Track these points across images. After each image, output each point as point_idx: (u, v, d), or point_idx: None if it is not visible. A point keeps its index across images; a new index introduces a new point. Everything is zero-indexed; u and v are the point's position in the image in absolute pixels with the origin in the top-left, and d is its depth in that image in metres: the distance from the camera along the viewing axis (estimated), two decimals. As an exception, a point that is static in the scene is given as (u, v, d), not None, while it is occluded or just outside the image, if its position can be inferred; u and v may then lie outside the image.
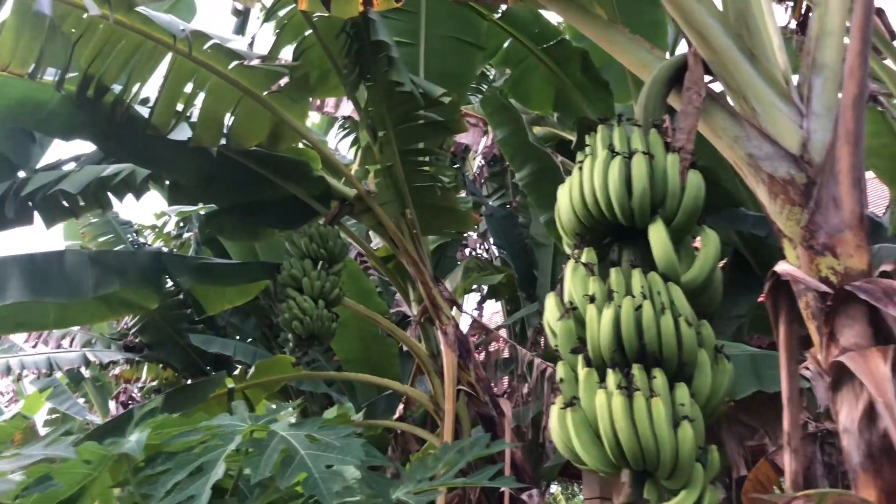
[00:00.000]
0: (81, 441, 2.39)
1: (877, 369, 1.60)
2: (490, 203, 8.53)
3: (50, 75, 3.75)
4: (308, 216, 4.64)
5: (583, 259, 1.92)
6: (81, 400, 12.04)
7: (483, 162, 8.72)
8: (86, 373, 11.67)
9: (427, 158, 4.50)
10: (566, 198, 1.98)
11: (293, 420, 2.20)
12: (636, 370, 1.75)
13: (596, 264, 1.91)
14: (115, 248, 7.27)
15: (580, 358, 1.85)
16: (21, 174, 5.53)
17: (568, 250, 2.02)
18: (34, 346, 9.07)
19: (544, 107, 5.63)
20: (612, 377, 1.74)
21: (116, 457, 2.22)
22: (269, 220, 4.66)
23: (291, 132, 4.20)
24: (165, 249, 8.70)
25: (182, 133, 4.03)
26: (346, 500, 1.87)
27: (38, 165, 5.73)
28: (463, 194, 7.56)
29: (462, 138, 6.16)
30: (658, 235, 1.84)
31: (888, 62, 4.46)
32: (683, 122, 1.94)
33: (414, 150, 4.44)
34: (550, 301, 1.98)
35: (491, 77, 7.47)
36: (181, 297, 8.64)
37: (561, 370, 1.90)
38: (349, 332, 6.22)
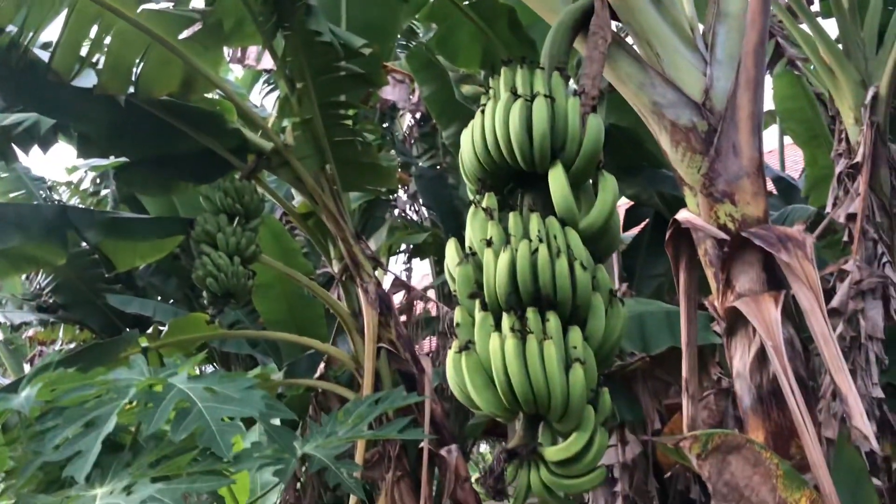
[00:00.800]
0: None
1: (768, 313, 1.63)
2: (420, 164, 8.47)
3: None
4: (224, 170, 4.50)
5: (483, 204, 1.90)
6: (-6, 364, 11.63)
7: (413, 122, 8.64)
8: (-2, 335, 11.26)
9: (348, 112, 4.41)
10: (468, 142, 1.95)
11: (194, 373, 2.13)
12: (530, 313, 1.74)
13: (496, 209, 1.89)
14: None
15: (477, 302, 1.84)
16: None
17: (471, 195, 1.99)
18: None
19: (471, 64, 5.57)
20: (506, 320, 1.73)
21: (7, 414, 2.13)
22: (183, 174, 4.51)
23: (204, 81, 4.05)
24: (81, 206, 8.38)
25: (87, 80, 3.84)
26: (243, 451, 1.82)
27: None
28: (392, 154, 7.49)
29: (388, 94, 6.07)
30: (557, 180, 1.83)
31: (804, 27, 4.56)
32: (588, 68, 1.92)
33: (334, 102, 4.33)
34: (450, 246, 1.96)
35: (419, 34, 7.36)
36: (97, 255, 8.38)
37: (458, 315, 1.89)
38: (273, 293, 6.13)
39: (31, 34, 3.59)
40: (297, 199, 5.41)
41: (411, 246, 7.77)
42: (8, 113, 4.57)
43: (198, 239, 4.24)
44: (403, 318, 5.14)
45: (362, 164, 4.49)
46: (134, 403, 2.09)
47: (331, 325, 7.00)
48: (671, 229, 1.86)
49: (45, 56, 3.77)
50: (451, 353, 1.83)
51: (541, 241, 1.77)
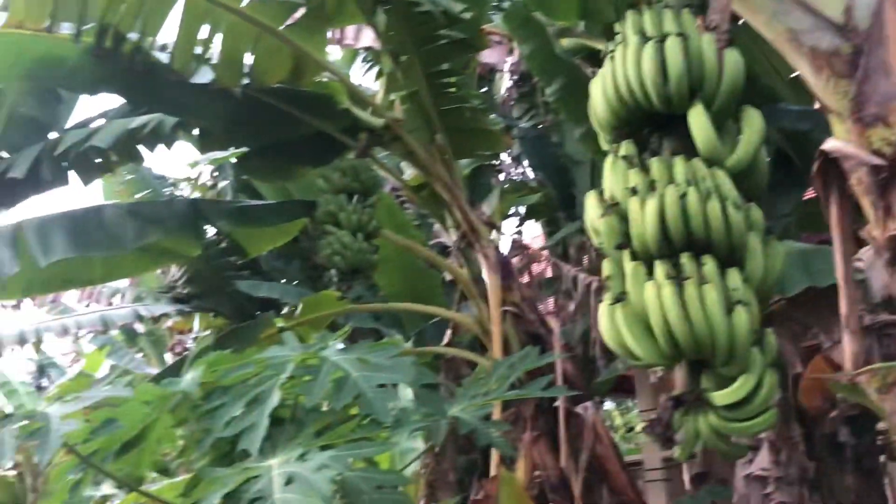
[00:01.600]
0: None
1: (938, 236, 1.53)
2: (521, 125, 8.39)
3: (67, 29, 3.72)
4: (338, 151, 4.60)
5: (621, 152, 1.87)
6: (139, 355, 12.43)
7: (511, 83, 8.54)
8: (140, 328, 12.00)
9: (453, 80, 4.41)
10: (599, 91, 1.91)
11: (342, 346, 2.20)
12: (685, 259, 1.70)
13: (636, 156, 1.85)
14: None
15: (625, 253, 1.81)
16: (51, 135, 5.57)
17: (605, 146, 1.96)
18: (87, 306, 9.32)
19: (570, 17, 5.41)
20: (660, 268, 1.70)
21: (175, 396, 2.26)
22: (300, 159, 4.64)
23: (313, 65, 4.13)
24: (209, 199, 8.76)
25: (204, 77, 4.00)
26: (401, 416, 1.88)
27: (67, 125, 5.78)
28: (493, 117, 7.44)
29: (487, 57, 6.01)
30: (698, 120, 1.77)
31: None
32: (717, 1, 1.84)
33: (438, 72, 4.34)
34: (591, 199, 1.93)
35: (513, -6, 7.24)
36: (224, 245, 8.76)
37: (607, 267, 1.87)
38: (392, 266, 6.24)
39: (149, 38, 3.76)
40: (408, 173, 5.48)
41: (522, 209, 7.73)
42: (133, 116, 4.82)
43: (321, 219, 4.36)
44: (525, 280, 5.14)
45: (471, 131, 4.49)
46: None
47: (448, 293, 7.10)
48: (819, 161, 1.77)
49: (164, 58, 3.94)
50: (604, 306, 1.82)
51: (688, 184, 1.72)
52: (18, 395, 14.49)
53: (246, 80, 4.07)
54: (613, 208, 1.85)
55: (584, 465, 4.08)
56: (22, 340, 8.17)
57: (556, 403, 4.16)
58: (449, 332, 4.99)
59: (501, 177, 8.23)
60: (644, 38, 1.84)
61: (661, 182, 1.75)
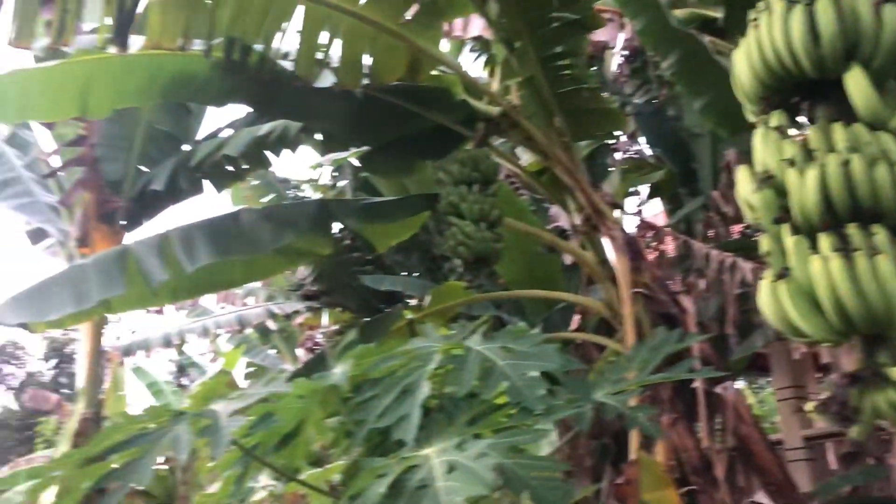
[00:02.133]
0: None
1: None
2: (635, 101, 8.19)
3: (197, 46, 3.91)
4: (456, 143, 4.63)
5: (773, 123, 1.78)
6: (273, 351, 12.98)
7: (622, 60, 8.35)
8: (272, 326, 12.53)
9: (568, 62, 4.35)
10: (744, 60, 1.83)
11: (483, 336, 2.22)
12: (852, 230, 1.62)
13: (788, 127, 1.77)
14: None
15: (785, 227, 1.73)
16: (184, 147, 5.89)
17: (752, 118, 1.88)
18: (223, 308, 9.80)
19: (683, -15, 5.27)
20: (825, 241, 1.62)
21: (325, 389, 2.34)
22: (419, 153, 4.71)
23: (429, 60, 4.18)
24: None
25: (326, 81, 4.11)
26: (550, 403, 1.88)
27: (198, 137, 6.09)
28: (606, 96, 7.29)
29: (598, 35, 5.89)
30: (857, 82, 1.67)
31: None
32: (868, -46, 1.73)
33: (553, 55, 4.29)
34: (743, 174, 1.86)
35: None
36: (348, 242, 9.02)
37: (765, 243, 1.79)
38: (511, 254, 6.23)
39: (273, 48, 3.91)
40: (523, 159, 5.46)
41: (641, 187, 7.56)
42: (259, 124, 5.03)
43: (443, 211, 4.41)
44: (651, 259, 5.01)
45: (590, 112, 4.42)
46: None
47: (568, 278, 7.04)
48: None
49: (288, 66, 4.09)
50: (765, 283, 1.75)
51: (851, 150, 1.63)
52: (164, 394, 15.44)
53: (366, 81, 4.15)
54: (768, 181, 1.77)
55: (727, 446, 3.96)
56: (167, 343, 8.71)
57: (694, 384, 4.05)
58: (577, 317, 4.93)
59: (618, 156, 8.08)
60: (790, 2, 1.75)
61: (820, 151, 1.66)
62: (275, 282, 10.25)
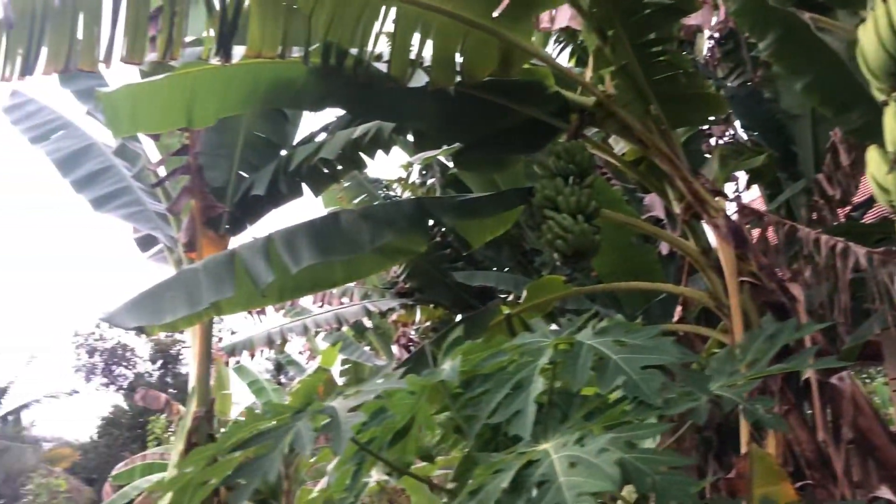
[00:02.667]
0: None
1: None
2: (728, 85, 7.95)
3: (296, 53, 4.01)
4: (550, 136, 4.60)
5: (905, 99, 1.70)
6: (367, 348, 13.22)
7: (713, 43, 8.12)
8: (367, 323, 12.77)
9: (662, 48, 4.25)
10: (871, 36, 1.75)
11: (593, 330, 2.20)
12: None
13: (922, 103, 1.68)
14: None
15: (925, 209, 1.65)
16: (283, 153, 6.06)
17: (880, 95, 1.79)
18: (321, 307, 10.03)
19: (781, -38, 5.06)
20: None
21: (434, 385, 2.36)
22: (513, 147, 4.70)
23: (520, 53, 4.16)
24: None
25: (420, 81, 4.15)
26: (667, 396, 1.84)
27: (295, 142, 6.25)
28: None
29: (691, 19, 5.74)
30: None
31: None
32: None
33: (647, 41, 4.21)
34: (873, 154, 1.78)
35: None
36: (440, 239, 9.11)
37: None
38: (605, 245, 6.17)
39: (368, 50, 3.97)
40: (617, 148, 5.36)
41: (738, 175, 7.31)
42: (354, 127, 5.12)
43: (539, 205, 4.38)
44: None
45: (687, 97, 4.31)
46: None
47: (665, 268, 6.89)
48: None
49: (381, 67, 4.14)
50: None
51: None
52: (266, 391, 15.93)
53: (458, 79, 4.16)
54: (900, 162, 1.69)
55: (845, 439, 3.79)
56: (270, 342, 8.99)
57: (806, 375, 3.90)
58: (679, 308, 4.82)
59: (713, 141, 7.84)
60: (922, -29, 1.66)
61: (960, 127, 1.57)
62: (369, 281, 10.44)
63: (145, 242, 6.37)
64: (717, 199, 4.30)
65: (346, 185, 9.86)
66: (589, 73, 4.47)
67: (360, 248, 4.24)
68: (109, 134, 6.43)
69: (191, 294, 4.09)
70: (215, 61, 3.69)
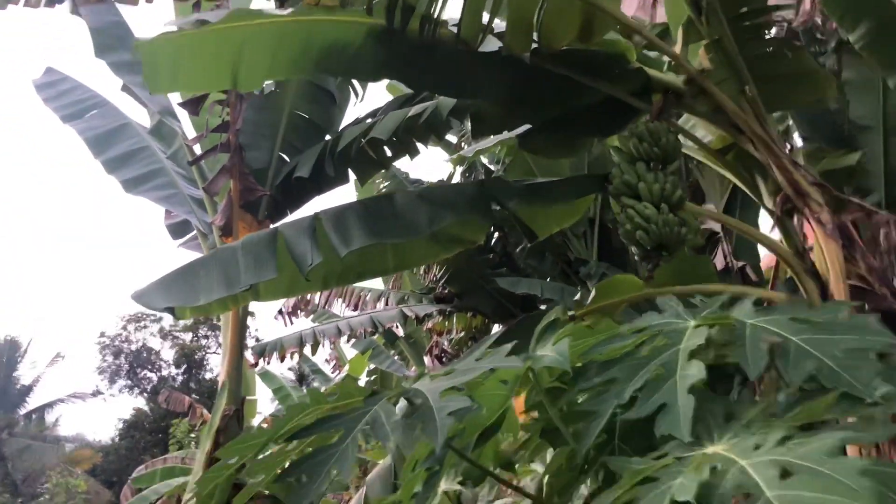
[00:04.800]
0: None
1: None
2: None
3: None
4: (627, 118, 4.12)
5: None
6: (397, 357, 12.74)
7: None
8: (399, 331, 12.32)
9: (760, 20, 3.77)
10: None
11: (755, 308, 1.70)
12: None
13: None
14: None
15: None
16: (327, 137, 5.62)
17: None
18: (354, 310, 9.58)
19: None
20: None
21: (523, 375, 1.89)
22: (587, 129, 4.22)
23: (603, 19, 3.69)
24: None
25: (490, 46, 3.71)
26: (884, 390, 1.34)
27: (340, 126, 5.82)
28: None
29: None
30: None
31: None
32: None
33: (743, 14, 3.74)
34: None
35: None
36: (481, 243, 8.64)
37: None
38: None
39: (437, 7, 3.53)
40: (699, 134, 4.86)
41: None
42: (408, 107, 4.69)
43: (617, 192, 3.90)
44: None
45: (790, 76, 3.81)
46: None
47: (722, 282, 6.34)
48: None
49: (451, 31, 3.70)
50: None
51: None
52: (292, 398, 15.47)
53: (534, 46, 3.71)
54: None
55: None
56: (301, 343, 8.55)
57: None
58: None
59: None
60: None
61: None
62: (406, 285, 9.99)
63: (178, 229, 5.96)
64: (821, 192, 3.78)
65: (386, 184, 9.44)
66: (678, 47, 3.98)
67: (416, 232, 3.78)
68: (145, 113, 6.06)
69: (228, 274, 3.65)
70: (271, 5, 3.27)
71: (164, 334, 31.29)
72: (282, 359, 8.18)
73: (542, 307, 9.21)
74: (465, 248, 4.15)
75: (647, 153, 3.88)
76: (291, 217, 5.44)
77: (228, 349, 5.18)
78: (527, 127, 4.34)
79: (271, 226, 5.46)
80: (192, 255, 5.94)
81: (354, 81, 5.84)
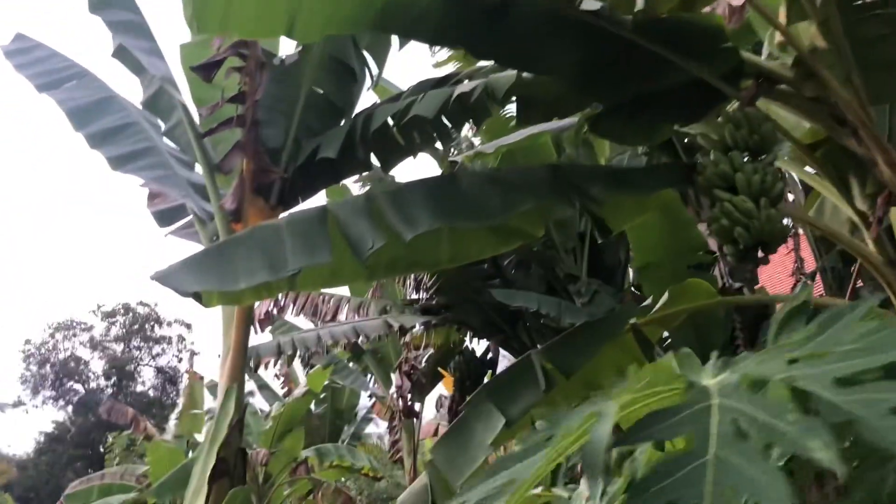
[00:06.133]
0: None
1: None
2: None
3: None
4: (713, 104, 3.70)
5: None
6: (366, 373, 12.05)
7: None
8: (364, 345, 11.65)
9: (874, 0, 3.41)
10: None
11: None
12: None
13: None
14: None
15: None
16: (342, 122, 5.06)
17: None
18: (329, 321, 8.91)
19: None
20: None
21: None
22: (667, 114, 3.77)
23: (713, -14, 3.27)
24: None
25: (591, 5, 3.23)
26: None
27: (357, 110, 5.27)
28: None
29: None
30: None
31: None
32: None
33: (853, -7, 3.37)
34: None
35: None
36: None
37: None
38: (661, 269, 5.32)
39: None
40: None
41: None
42: (450, 87, 4.18)
43: (709, 184, 3.45)
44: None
45: (900, 65, 3.46)
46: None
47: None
48: None
49: None
50: None
51: None
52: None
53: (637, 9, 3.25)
54: None
55: None
56: (279, 352, 7.85)
57: None
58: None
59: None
60: None
61: None
62: (388, 294, 9.39)
63: (167, 215, 5.25)
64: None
65: (367, 186, 8.84)
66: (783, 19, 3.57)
67: (488, 217, 3.25)
68: (135, 85, 5.36)
69: (271, 256, 3.04)
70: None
71: (94, 344, 29.66)
72: (256, 368, 7.45)
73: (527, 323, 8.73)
74: (525, 242, 3.63)
75: (745, 141, 3.45)
76: (304, 204, 4.84)
77: (232, 349, 4.50)
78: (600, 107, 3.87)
79: (282, 213, 4.85)
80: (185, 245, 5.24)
81: (370, 61, 5.28)
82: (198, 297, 3.11)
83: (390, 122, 4.25)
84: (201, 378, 14.22)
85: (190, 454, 11.97)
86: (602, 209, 3.62)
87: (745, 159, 3.43)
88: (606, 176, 3.50)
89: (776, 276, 9.99)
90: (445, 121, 4.27)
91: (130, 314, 30.19)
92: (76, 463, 26.21)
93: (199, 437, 14.33)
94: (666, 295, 3.72)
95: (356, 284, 8.63)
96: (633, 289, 8.67)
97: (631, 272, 9.01)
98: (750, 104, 3.56)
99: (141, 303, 30.75)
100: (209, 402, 14.76)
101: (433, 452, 3.91)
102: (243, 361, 4.62)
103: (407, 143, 4.52)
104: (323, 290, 9.07)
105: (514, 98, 4.13)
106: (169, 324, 30.72)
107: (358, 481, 16.90)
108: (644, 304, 4.04)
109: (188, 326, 30.93)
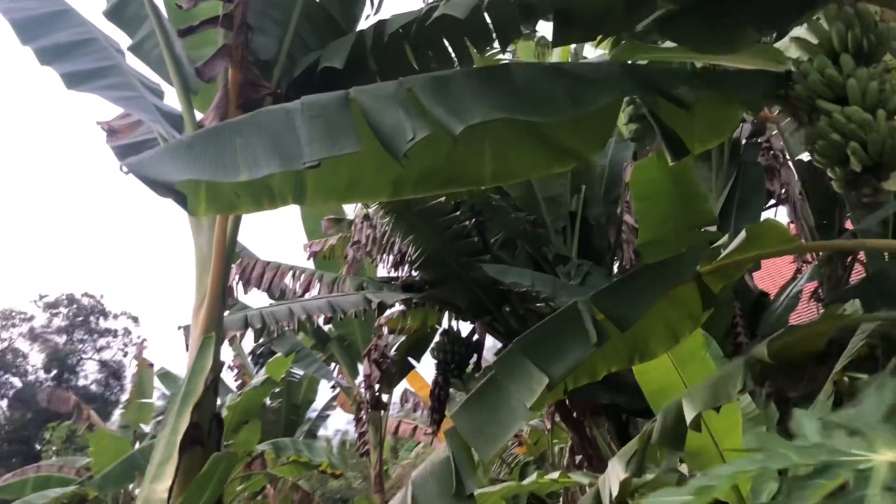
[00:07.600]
0: None
1: None
2: None
3: None
4: (803, 8, 3.07)
5: None
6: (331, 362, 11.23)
7: None
8: (331, 332, 10.84)
9: None
10: None
11: None
12: None
13: None
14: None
15: None
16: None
17: None
18: (300, 296, 8.07)
19: None
20: None
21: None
22: (750, 19, 3.11)
23: None
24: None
25: None
26: None
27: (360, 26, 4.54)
28: None
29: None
30: None
31: None
32: None
33: None
34: None
35: None
36: (467, 223, 7.41)
37: None
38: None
39: None
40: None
41: None
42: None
43: (811, 93, 2.82)
44: None
45: None
46: None
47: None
48: None
49: None
50: None
51: None
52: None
53: None
54: None
55: None
56: (246, 326, 7.00)
57: None
58: None
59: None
60: None
61: None
62: (365, 271, 8.61)
63: (129, 151, 4.38)
64: None
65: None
66: None
67: (557, 111, 2.53)
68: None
69: (282, 145, 2.28)
70: None
71: (33, 336, 27.95)
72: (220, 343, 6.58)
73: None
74: (579, 163, 2.93)
75: (857, 44, 2.83)
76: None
77: (208, 296, 3.66)
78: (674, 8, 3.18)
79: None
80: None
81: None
82: (181, 199, 2.32)
83: (412, 27, 3.50)
84: (151, 365, 13.15)
85: (137, 445, 10.95)
86: (679, 124, 2.94)
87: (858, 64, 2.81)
88: (691, 76, 2.83)
89: (773, 263, 9.51)
90: (487, 18, 3.51)
91: (74, 305, 28.58)
92: (11, 459, 24.55)
93: (147, 428, 13.24)
94: (743, 234, 3.04)
95: (375, 196, 7.75)
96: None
97: (622, 254, 8.37)
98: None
99: (86, 294, 29.17)
100: (158, 393, 13.68)
101: (456, 419, 3.18)
102: (221, 311, 3.80)
103: (436, 52, 3.75)
104: (294, 264, 8.26)
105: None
106: (115, 316, 29.18)
107: (311, 479, 15.96)
108: (715, 244, 3.35)
109: (135, 319, 29.45)
